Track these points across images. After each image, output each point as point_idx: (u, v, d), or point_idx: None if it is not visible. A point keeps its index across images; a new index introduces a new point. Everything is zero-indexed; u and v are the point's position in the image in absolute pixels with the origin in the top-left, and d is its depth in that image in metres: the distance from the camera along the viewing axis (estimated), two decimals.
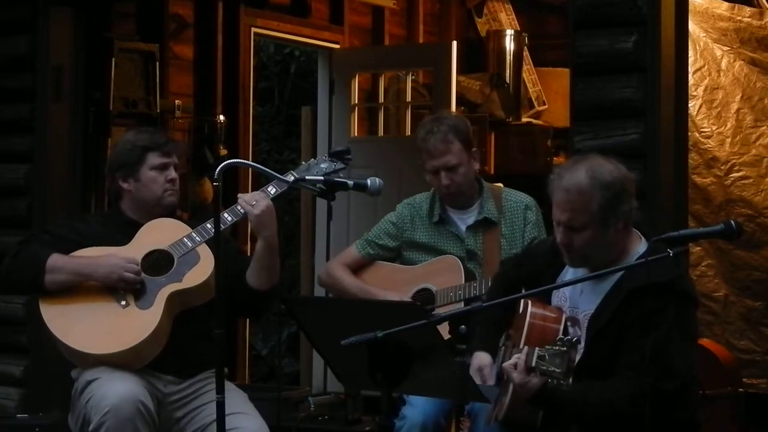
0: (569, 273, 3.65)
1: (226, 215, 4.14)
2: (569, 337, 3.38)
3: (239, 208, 4.15)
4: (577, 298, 3.61)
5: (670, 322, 3.36)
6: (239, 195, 4.14)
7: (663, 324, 3.36)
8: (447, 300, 4.50)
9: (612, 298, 3.48)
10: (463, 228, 4.60)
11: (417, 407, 4.20)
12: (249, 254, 4.42)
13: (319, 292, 7.67)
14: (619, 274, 3.46)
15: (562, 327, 3.56)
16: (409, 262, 4.69)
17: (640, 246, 3.55)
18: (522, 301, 3.61)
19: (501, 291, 3.87)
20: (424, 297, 4.57)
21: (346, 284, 4.70)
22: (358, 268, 4.75)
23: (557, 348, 3.23)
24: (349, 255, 4.79)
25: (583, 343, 3.49)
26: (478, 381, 3.69)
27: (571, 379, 3.21)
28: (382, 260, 4.74)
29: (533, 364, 3.27)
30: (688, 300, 3.49)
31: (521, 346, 3.48)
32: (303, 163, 4.28)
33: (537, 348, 3.28)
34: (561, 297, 3.67)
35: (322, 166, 4.19)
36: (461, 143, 4.52)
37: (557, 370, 3.21)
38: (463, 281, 4.50)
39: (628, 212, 3.49)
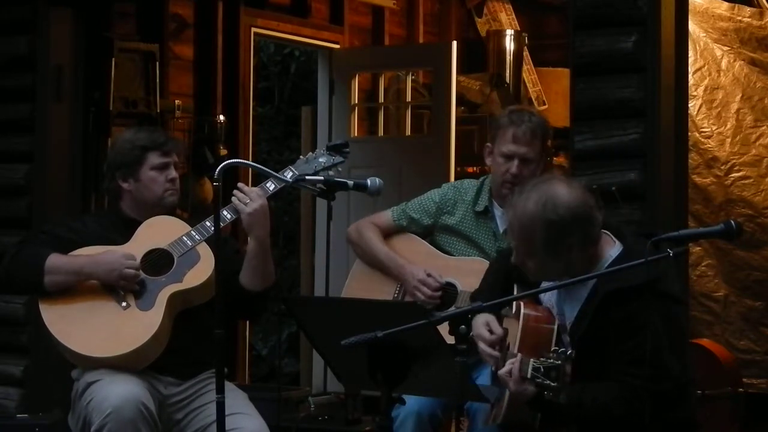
0: None
1: (225, 213, 4.09)
2: (563, 349, 3.38)
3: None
4: (561, 303, 3.60)
5: (656, 324, 3.32)
6: (235, 189, 4.10)
7: (648, 327, 3.29)
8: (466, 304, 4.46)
9: (590, 304, 3.45)
10: (502, 228, 4.55)
11: (412, 397, 4.19)
12: None
13: (319, 291, 7.69)
14: (595, 279, 3.43)
15: (555, 327, 3.56)
16: (438, 243, 4.65)
17: (612, 250, 3.49)
18: (514, 302, 3.61)
19: (501, 279, 3.83)
20: (448, 292, 4.53)
21: (375, 247, 4.68)
22: (388, 234, 4.71)
23: (552, 361, 3.26)
24: (383, 219, 4.74)
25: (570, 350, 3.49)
26: (486, 335, 3.64)
27: (565, 394, 3.25)
28: (414, 233, 4.69)
29: (528, 375, 3.30)
30: (670, 300, 3.43)
31: (515, 350, 3.49)
32: (301, 157, 4.25)
33: (532, 360, 3.30)
34: (547, 302, 3.66)
35: (320, 160, 4.18)
36: (542, 144, 4.51)
37: (552, 384, 3.24)
38: None
39: (584, 237, 3.42)
